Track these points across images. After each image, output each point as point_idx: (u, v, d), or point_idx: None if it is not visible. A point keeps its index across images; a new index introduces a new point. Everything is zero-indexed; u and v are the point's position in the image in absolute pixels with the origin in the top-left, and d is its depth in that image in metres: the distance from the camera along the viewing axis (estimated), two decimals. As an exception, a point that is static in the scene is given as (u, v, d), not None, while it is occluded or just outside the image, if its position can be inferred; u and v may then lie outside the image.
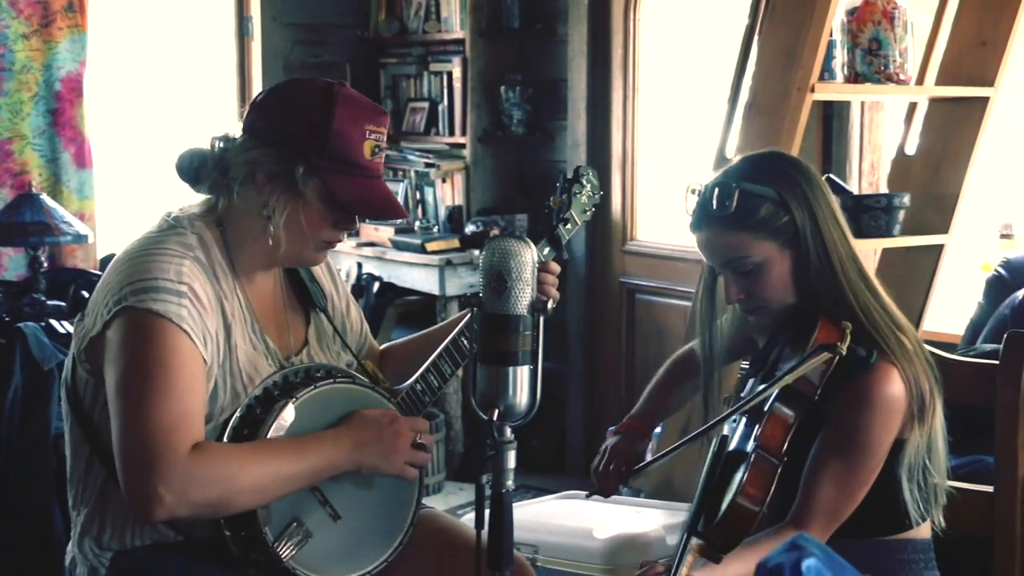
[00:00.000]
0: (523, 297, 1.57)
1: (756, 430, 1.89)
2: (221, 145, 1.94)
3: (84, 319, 1.90)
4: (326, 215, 1.92)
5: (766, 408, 1.90)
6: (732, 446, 1.92)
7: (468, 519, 2.59)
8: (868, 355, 1.87)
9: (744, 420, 1.95)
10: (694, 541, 1.81)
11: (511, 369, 1.57)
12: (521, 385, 1.58)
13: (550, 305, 1.59)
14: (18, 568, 3.36)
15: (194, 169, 1.97)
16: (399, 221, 5.16)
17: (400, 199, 5.17)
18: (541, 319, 1.59)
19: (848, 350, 1.85)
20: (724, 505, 1.83)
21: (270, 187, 1.89)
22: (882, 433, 1.91)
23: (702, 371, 2.15)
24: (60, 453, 3.40)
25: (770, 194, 1.94)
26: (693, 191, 2.01)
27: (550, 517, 2.81)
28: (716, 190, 1.95)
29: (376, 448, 1.91)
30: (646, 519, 2.79)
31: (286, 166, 1.88)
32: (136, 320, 1.80)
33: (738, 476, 1.84)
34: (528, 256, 1.57)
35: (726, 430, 1.97)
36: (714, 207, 1.95)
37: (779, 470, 1.86)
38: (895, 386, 1.90)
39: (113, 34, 4.80)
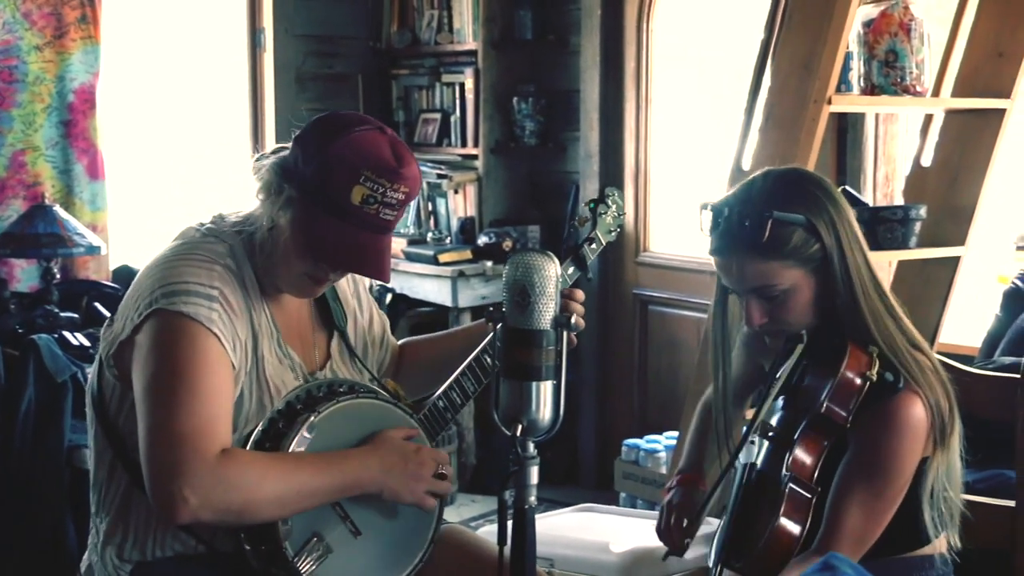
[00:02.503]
0: (547, 312, 1.56)
1: (787, 459, 1.88)
2: (272, 151, 1.96)
3: (113, 324, 1.90)
4: (302, 250, 1.90)
5: (797, 432, 1.89)
6: (760, 467, 1.91)
7: (485, 532, 2.58)
8: (895, 380, 1.87)
9: (767, 444, 1.94)
10: (727, 574, 1.81)
11: (534, 384, 1.56)
12: (544, 400, 1.57)
13: (574, 321, 1.58)
14: (32, 580, 3.36)
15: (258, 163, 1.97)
16: (412, 231, 5.17)
17: (412, 211, 5.19)
18: (564, 334, 1.58)
19: (877, 376, 1.85)
20: (761, 541, 1.82)
21: (269, 202, 1.90)
22: (907, 457, 1.89)
23: (718, 391, 2.12)
24: (74, 465, 3.41)
25: (801, 221, 1.92)
26: (707, 208, 1.98)
27: (566, 530, 2.80)
28: (746, 219, 1.91)
29: (401, 476, 1.90)
30: (662, 532, 2.77)
31: (280, 183, 1.89)
32: (166, 322, 1.80)
33: (773, 510, 1.83)
34: (552, 270, 1.56)
35: (742, 457, 1.96)
36: (744, 235, 1.91)
37: (814, 501, 1.86)
38: (919, 411, 1.89)
39: (126, 46, 4.81)
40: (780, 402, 1.99)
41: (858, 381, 1.88)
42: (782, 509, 1.82)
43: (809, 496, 1.86)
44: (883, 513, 1.90)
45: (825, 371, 1.91)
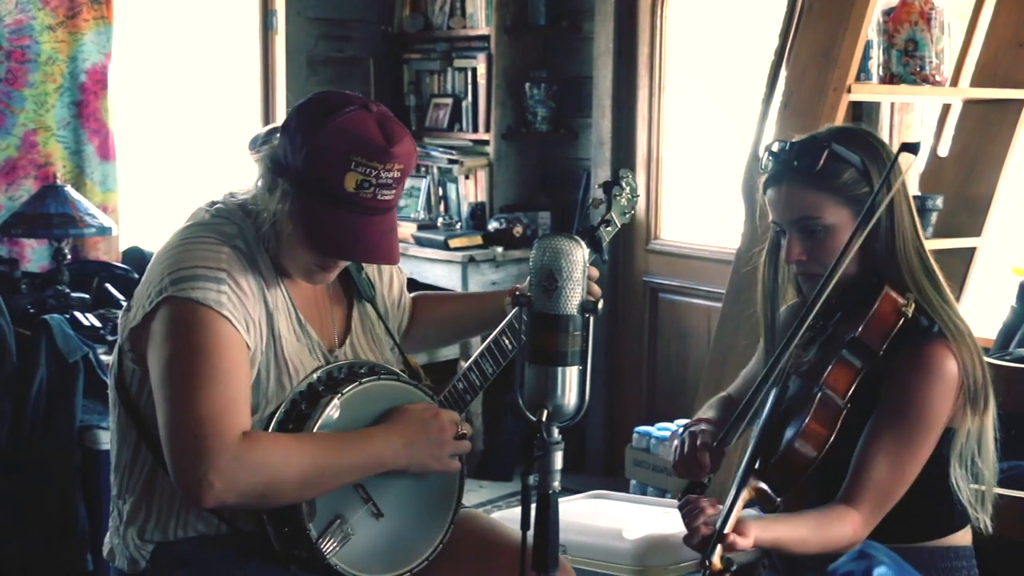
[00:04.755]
0: (574, 297, 1.55)
1: (821, 377, 1.90)
2: (266, 135, 1.94)
3: (129, 311, 1.90)
4: (305, 243, 1.88)
5: (830, 361, 1.91)
6: (791, 391, 1.92)
7: (499, 516, 2.57)
8: (930, 325, 1.89)
9: (801, 379, 1.95)
10: (751, 480, 1.81)
11: (560, 369, 1.55)
12: (570, 385, 1.56)
13: (600, 305, 1.57)
14: (42, 559, 3.35)
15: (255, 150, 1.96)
16: (422, 216, 5.16)
17: (423, 196, 5.18)
18: (591, 319, 1.57)
19: (912, 315, 1.88)
20: (784, 442, 1.84)
21: (268, 194, 1.88)
22: (936, 404, 1.90)
23: (763, 344, 2.12)
24: (85, 445, 3.41)
25: (856, 162, 1.94)
26: (771, 149, 2.00)
27: (578, 516, 2.79)
28: (806, 148, 1.94)
29: (425, 445, 1.91)
30: (674, 520, 2.76)
31: (274, 177, 1.87)
32: (177, 309, 1.80)
33: (801, 416, 1.85)
34: (579, 255, 1.55)
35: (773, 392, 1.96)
36: (799, 163, 1.94)
37: (843, 413, 1.87)
38: (951, 362, 1.90)
39: (138, 26, 4.80)
40: (816, 346, 1.99)
41: (893, 316, 1.91)
42: (812, 412, 1.85)
43: (839, 405, 1.88)
44: (909, 466, 1.90)
45: (860, 312, 1.92)
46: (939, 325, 1.92)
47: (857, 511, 1.88)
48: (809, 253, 1.98)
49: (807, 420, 1.85)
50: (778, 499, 1.84)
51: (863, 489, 1.89)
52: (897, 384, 1.91)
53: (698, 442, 2.06)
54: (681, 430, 2.17)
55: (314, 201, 1.84)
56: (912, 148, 1.88)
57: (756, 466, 1.84)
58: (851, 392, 1.91)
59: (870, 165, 1.95)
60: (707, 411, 2.23)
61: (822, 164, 1.93)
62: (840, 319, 1.99)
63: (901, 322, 1.91)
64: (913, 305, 1.90)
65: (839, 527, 1.86)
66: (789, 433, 1.87)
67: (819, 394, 1.88)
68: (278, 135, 1.91)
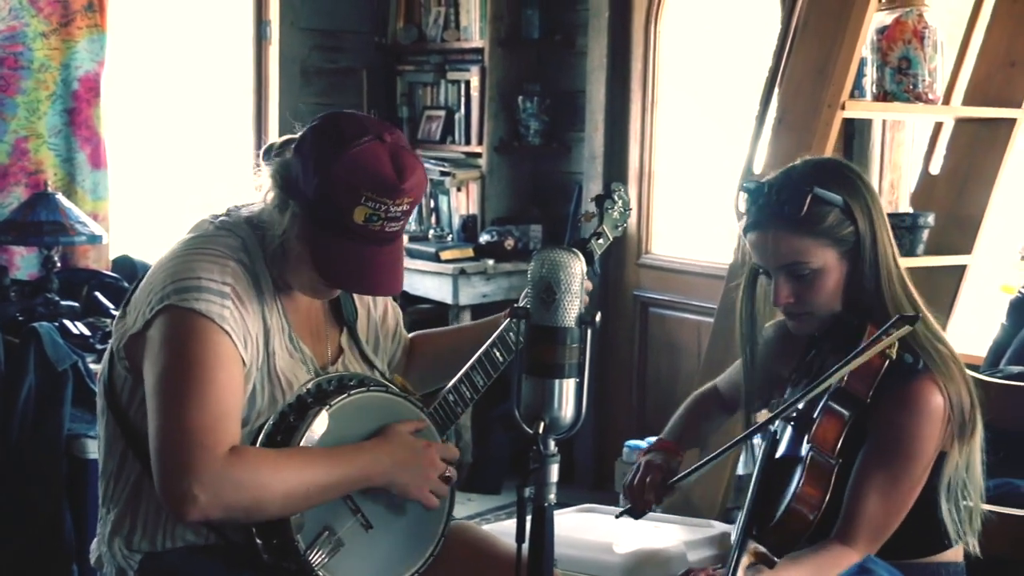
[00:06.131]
0: (572, 309, 1.55)
1: (809, 432, 1.89)
2: (280, 147, 1.93)
3: (125, 316, 1.89)
4: (309, 262, 1.89)
5: (817, 410, 1.91)
6: (781, 452, 1.92)
7: (490, 529, 2.56)
8: (915, 362, 1.88)
9: (791, 429, 1.94)
10: (750, 544, 1.81)
11: (557, 382, 1.56)
12: (567, 398, 1.57)
13: (597, 318, 1.57)
14: (28, 568, 3.33)
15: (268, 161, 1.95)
16: (414, 228, 5.15)
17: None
18: (588, 332, 1.57)
19: (896, 355, 1.87)
20: (781, 508, 1.83)
21: (278, 211, 1.88)
22: (926, 441, 1.90)
23: (744, 380, 2.13)
24: (72, 454, 3.39)
25: (839, 202, 1.95)
26: (748, 189, 2.00)
27: (568, 530, 2.77)
28: (787, 193, 1.94)
29: (410, 472, 1.91)
30: (666, 534, 2.76)
31: (284, 197, 1.87)
32: (178, 319, 1.79)
33: (794, 478, 1.85)
34: (577, 268, 1.55)
35: (758, 440, 1.96)
36: (783, 209, 1.94)
37: (835, 470, 1.87)
38: (937, 397, 1.91)
39: (132, 35, 4.79)
40: (801, 388, 2.00)
41: (877, 359, 1.90)
42: (804, 475, 1.84)
43: (830, 465, 1.87)
44: (901, 502, 1.90)
45: (845, 354, 1.92)
46: (924, 359, 1.92)
47: (854, 549, 1.89)
48: (796, 296, 1.98)
49: (801, 484, 1.85)
50: (777, 560, 1.84)
51: (858, 527, 1.89)
52: (885, 422, 1.91)
53: (647, 479, 2.13)
54: (642, 453, 2.22)
55: (321, 229, 1.85)
56: (911, 320, 1.87)
57: (754, 532, 1.85)
58: (840, 443, 1.90)
59: (852, 203, 1.95)
60: (673, 427, 2.28)
61: (806, 210, 1.92)
62: (825, 361, 2.00)
63: (886, 364, 1.90)
64: (896, 344, 1.89)
65: (837, 570, 1.87)
66: (784, 498, 1.86)
67: (810, 455, 1.87)
68: (292, 148, 1.91)
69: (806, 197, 1.91)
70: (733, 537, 1.90)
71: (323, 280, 1.90)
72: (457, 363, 2.14)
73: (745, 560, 1.81)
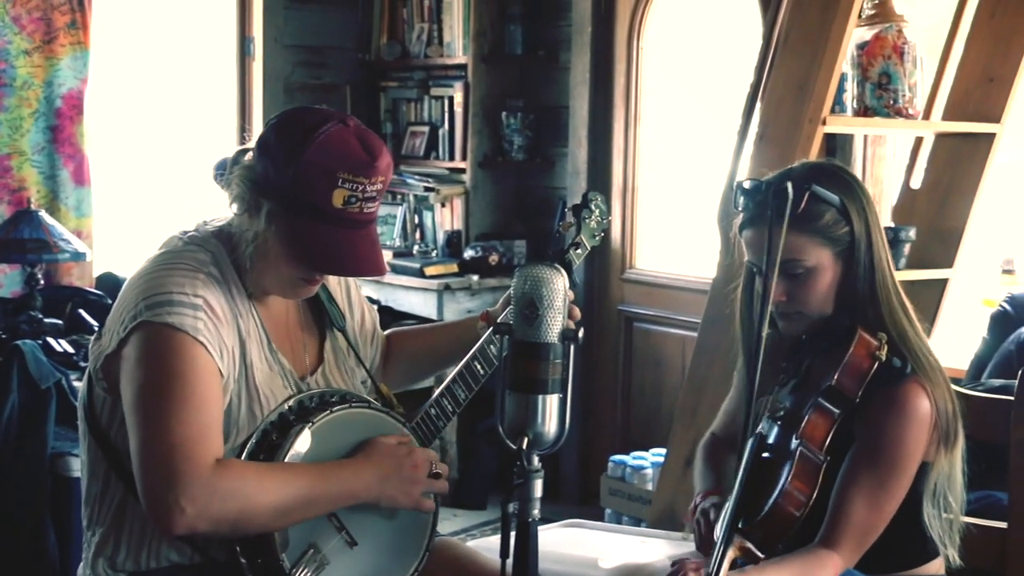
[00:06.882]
0: (555, 325, 1.56)
1: (798, 429, 1.91)
2: (235, 157, 1.93)
3: (100, 338, 1.88)
4: (293, 260, 1.89)
5: (807, 408, 1.92)
6: (769, 447, 1.93)
7: (474, 545, 2.56)
8: (903, 366, 1.90)
9: (778, 427, 1.95)
10: (736, 538, 1.81)
11: (541, 397, 1.57)
12: (550, 413, 1.58)
13: (580, 334, 1.58)
14: (11, 589, 3.31)
15: (223, 177, 1.94)
16: (398, 244, 5.15)
17: (399, 223, 5.18)
18: (571, 347, 1.57)
19: (886, 358, 1.89)
20: (768, 502, 1.84)
21: (248, 216, 1.88)
22: (913, 444, 1.91)
23: (746, 376, 2.12)
24: (56, 472, 3.38)
25: (836, 202, 1.96)
26: (743, 187, 2.01)
27: (554, 545, 2.78)
28: (785, 191, 1.94)
29: (397, 481, 1.91)
30: (651, 549, 2.76)
31: (256, 198, 1.87)
32: (152, 334, 1.79)
33: (783, 474, 1.86)
34: (560, 283, 1.56)
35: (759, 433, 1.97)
36: (781, 206, 1.94)
37: (823, 467, 1.88)
38: (924, 402, 1.92)
39: (115, 52, 4.79)
40: (789, 388, 2.01)
41: (867, 361, 1.92)
42: (793, 471, 1.85)
43: (818, 461, 1.88)
44: (886, 505, 1.91)
45: (834, 355, 1.94)
46: (912, 364, 1.94)
47: (838, 554, 1.89)
48: (789, 294, 1.99)
49: (789, 479, 1.86)
50: (763, 556, 1.85)
51: (842, 531, 1.90)
52: (872, 425, 1.93)
53: (712, 519, 2.08)
54: (694, 506, 2.18)
55: (302, 219, 1.85)
56: None
57: (740, 525, 1.85)
58: (829, 441, 1.91)
59: (848, 204, 1.97)
60: (705, 476, 2.24)
61: (803, 207, 1.93)
62: (814, 362, 2.01)
63: (875, 366, 1.92)
64: (886, 347, 1.91)
65: (821, 573, 1.88)
66: (772, 492, 1.87)
67: (799, 450, 1.88)
68: (247, 156, 1.91)
69: (804, 194, 1.93)
70: (719, 530, 1.90)
71: (308, 269, 1.90)
72: (435, 360, 2.17)
73: (730, 554, 1.81)
